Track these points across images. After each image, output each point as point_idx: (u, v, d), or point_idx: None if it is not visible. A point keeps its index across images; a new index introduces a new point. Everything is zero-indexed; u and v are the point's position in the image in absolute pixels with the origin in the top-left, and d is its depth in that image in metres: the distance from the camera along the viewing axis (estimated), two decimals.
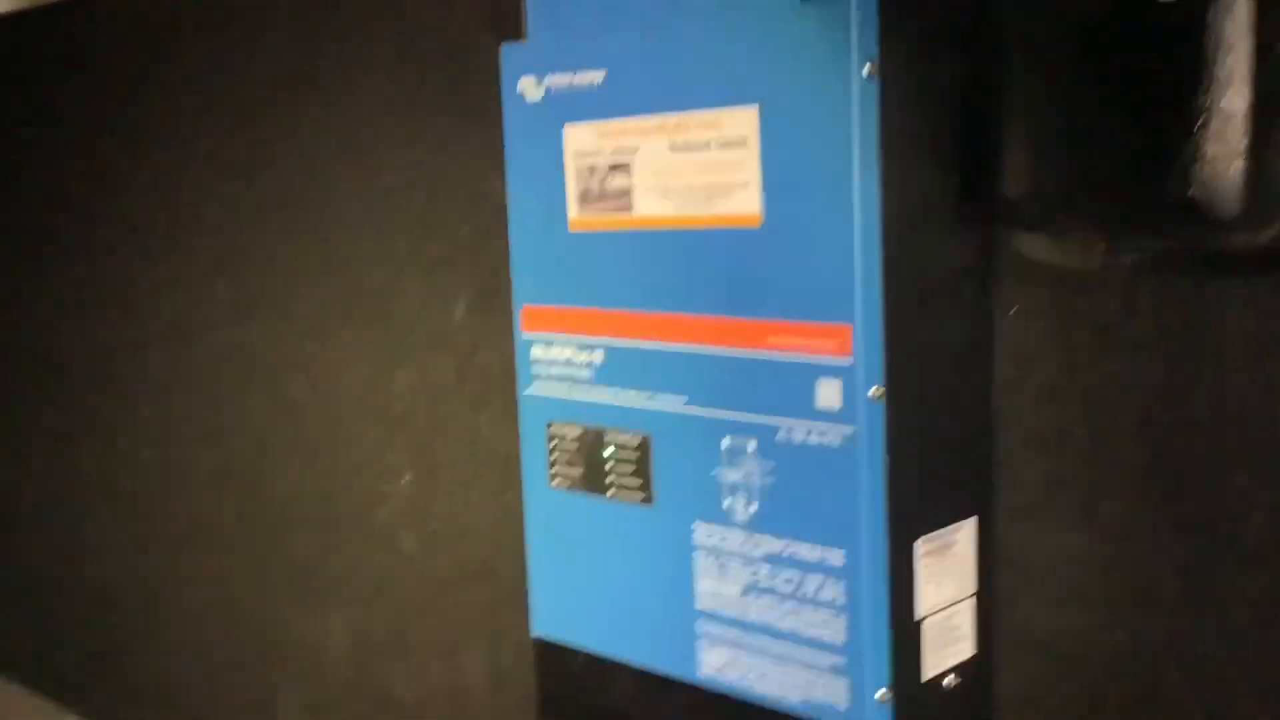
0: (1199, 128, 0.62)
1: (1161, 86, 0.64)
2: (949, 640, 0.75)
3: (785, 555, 0.73)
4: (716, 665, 0.77)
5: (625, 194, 0.77)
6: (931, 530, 0.73)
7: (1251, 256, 0.66)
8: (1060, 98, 0.68)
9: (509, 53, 0.82)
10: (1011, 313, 0.76)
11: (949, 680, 0.75)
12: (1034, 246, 0.74)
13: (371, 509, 1.20)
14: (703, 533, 0.77)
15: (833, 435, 0.70)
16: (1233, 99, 0.61)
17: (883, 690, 0.71)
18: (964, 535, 0.75)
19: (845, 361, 0.68)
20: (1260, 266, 0.66)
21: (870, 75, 0.66)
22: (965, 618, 0.76)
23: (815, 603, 0.72)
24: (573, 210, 0.80)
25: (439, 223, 1.09)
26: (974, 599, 0.77)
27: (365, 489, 1.21)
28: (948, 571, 0.75)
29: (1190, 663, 0.71)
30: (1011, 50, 0.70)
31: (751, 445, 0.74)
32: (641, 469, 0.79)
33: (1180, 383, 0.70)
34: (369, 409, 1.18)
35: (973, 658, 0.77)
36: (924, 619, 0.73)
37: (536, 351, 0.85)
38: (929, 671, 0.74)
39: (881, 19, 0.66)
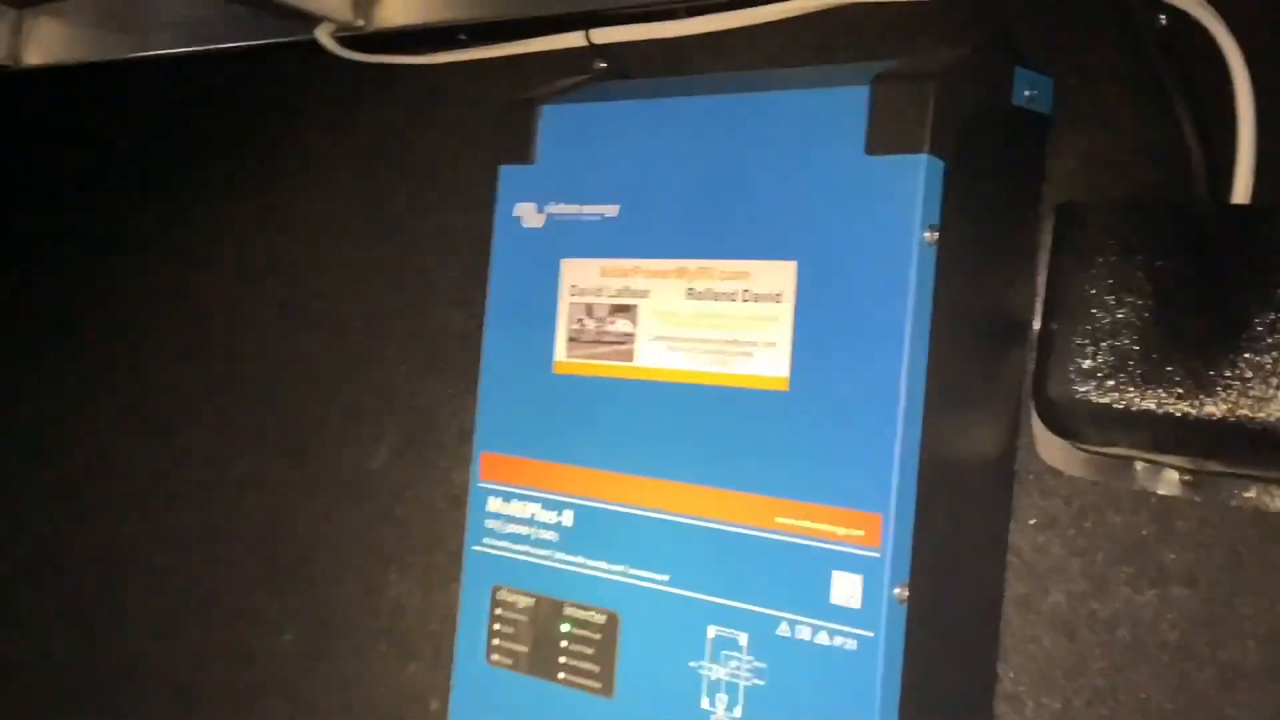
0: (1269, 347, 0.58)
1: (1228, 299, 0.59)
2: None
3: None
4: None
5: (626, 340, 0.69)
6: None
7: None
8: (1116, 299, 0.63)
9: (510, 176, 0.75)
10: (1030, 523, 0.69)
11: None
12: (1059, 455, 0.68)
13: (240, 671, 1.06)
14: None
15: (846, 637, 0.61)
16: None
17: None
18: None
19: (871, 554, 0.60)
20: None
21: (931, 242, 0.60)
22: None
23: None
24: (560, 351, 0.72)
25: (373, 354, 0.99)
26: None
27: (236, 645, 1.06)
28: None
29: None
30: (1065, 240, 0.65)
31: (743, 639, 0.64)
32: (603, 652, 0.69)
33: (1219, 620, 0.64)
34: (256, 549, 1.05)
35: None
36: None
37: (494, 504, 0.75)
38: None
39: (946, 186, 0.61)
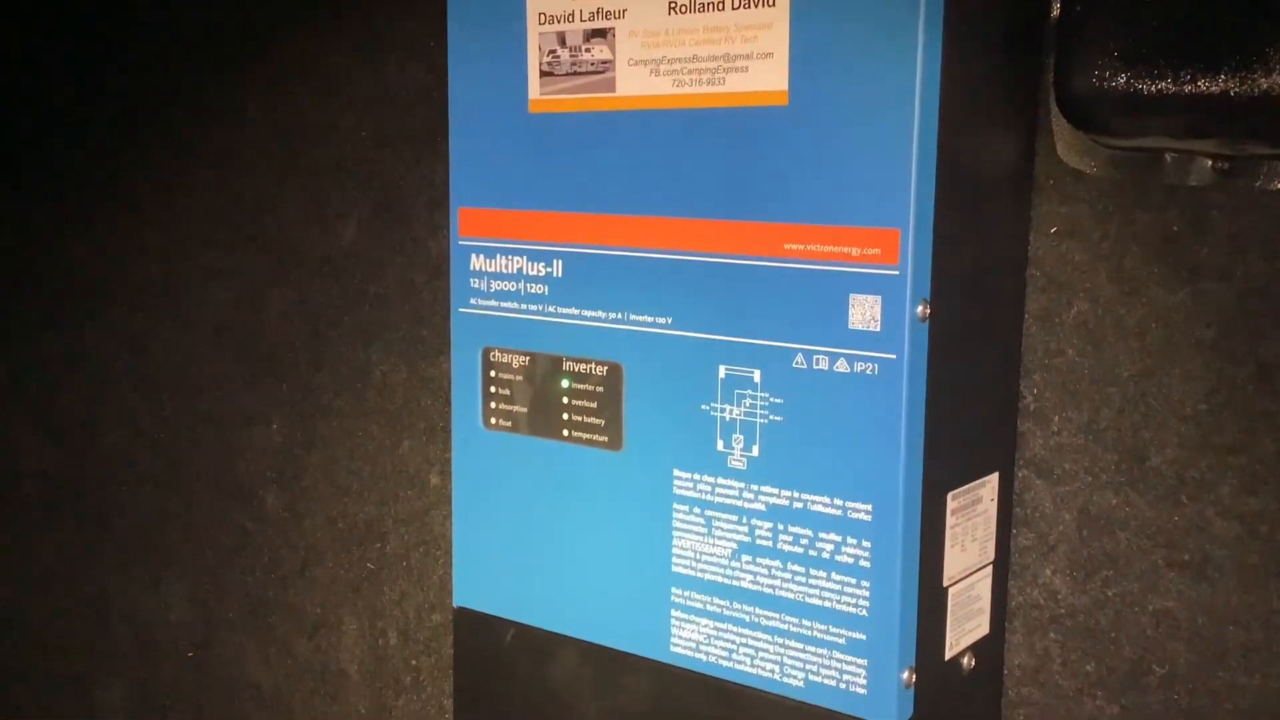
0: None
1: None
2: (970, 614, 0.64)
3: (793, 509, 0.61)
4: (694, 641, 0.64)
5: (606, 67, 0.63)
6: (962, 483, 0.62)
7: None
8: None
9: None
10: (1051, 231, 0.65)
11: (967, 660, 0.64)
12: (1083, 154, 0.63)
13: (232, 461, 1.02)
14: (686, 482, 0.63)
15: (866, 362, 0.57)
16: None
17: (908, 671, 0.59)
18: (988, 492, 0.64)
19: (891, 272, 0.56)
20: None
21: None
22: (984, 588, 0.65)
23: (830, 566, 0.60)
24: (534, 89, 0.66)
25: (326, 124, 0.92)
26: (992, 568, 0.66)
27: (221, 437, 1.03)
28: (972, 533, 0.63)
29: (1249, 643, 0.62)
30: None
31: (756, 375, 0.61)
32: (608, 405, 0.65)
33: (1258, 314, 0.60)
34: (233, 341, 1.01)
35: (986, 636, 0.66)
36: (949, 587, 0.62)
37: (477, 262, 0.70)
38: (950, 650, 0.63)
39: None
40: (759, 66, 0.58)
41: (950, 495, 0.61)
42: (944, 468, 0.60)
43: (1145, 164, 0.62)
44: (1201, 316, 0.61)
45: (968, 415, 0.62)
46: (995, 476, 0.65)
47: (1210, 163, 0.60)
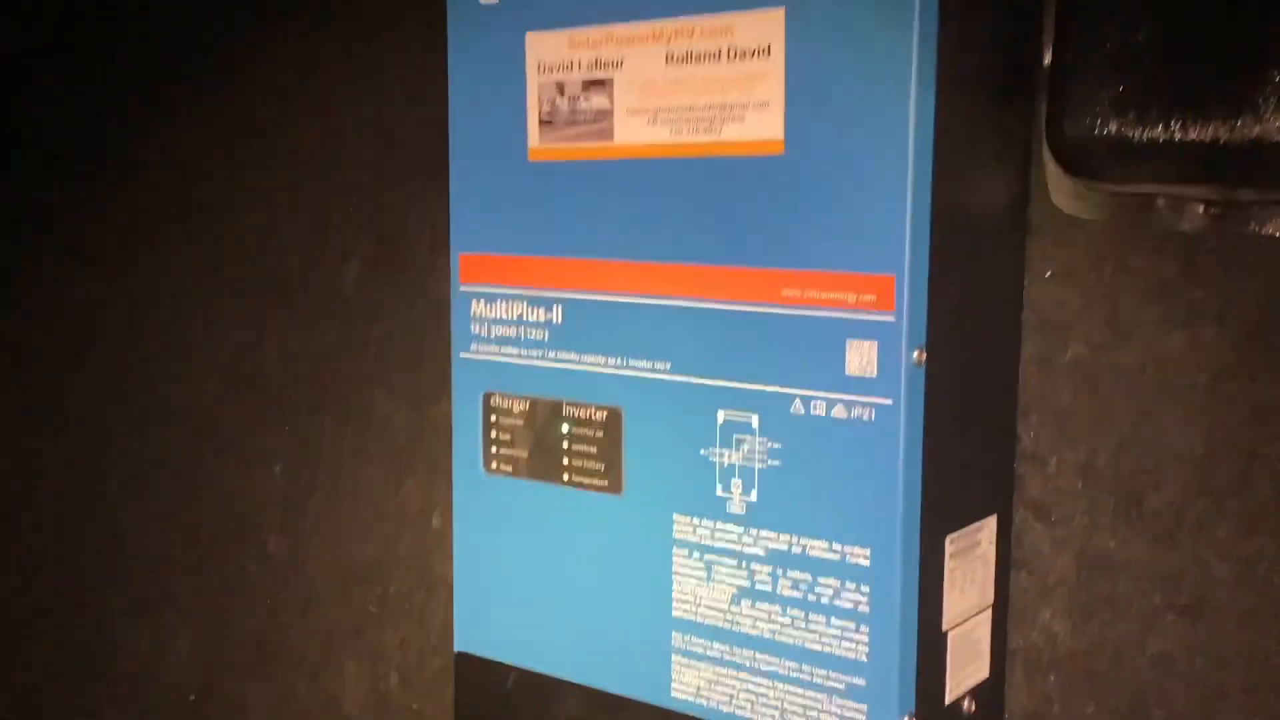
0: None
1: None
2: (969, 657, 0.64)
3: (792, 554, 0.61)
4: (694, 686, 0.64)
5: (604, 116, 0.64)
6: (960, 526, 0.62)
7: None
8: (1138, 14, 0.58)
9: None
10: (1047, 276, 0.65)
11: (967, 704, 0.64)
12: (1078, 198, 0.64)
13: (234, 503, 1.03)
14: (685, 526, 0.64)
15: (864, 408, 0.58)
16: None
17: (909, 716, 0.59)
18: (986, 534, 0.65)
19: (886, 318, 0.57)
20: None
21: None
22: (984, 631, 0.65)
23: (829, 611, 0.60)
24: (533, 138, 0.67)
25: (330, 165, 0.93)
26: (991, 610, 0.66)
27: (223, 480, 1.03)
28: (971, 576, 0.64)
29: (1248, 684, 0.62)
30: None
31: (755, 420, 0.61)
32: (608, 450, 0.66)
33: (1251, 358, 0.61)
34: (237, 383, 1.01)
35: (986, 680, 0.66)
36: (949, 631, 0.62)
37: (477, 308, 0.70)
38: (951, 694, 0.63)
39: None
40: (755, 116, 0.59)
41: (949, 539, 0.61)
42: (942, 511, 0.60)
43: (1138, 209, 0.62)
44: (1196, 360, 0.62)
45: (965, 458, 0.62)
46: (993, 519, 0.65)
47: (1202, 208, 0.61)
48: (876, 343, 0.57)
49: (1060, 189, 0.64)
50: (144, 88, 1.04)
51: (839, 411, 0.59)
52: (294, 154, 0.95)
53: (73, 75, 1.09)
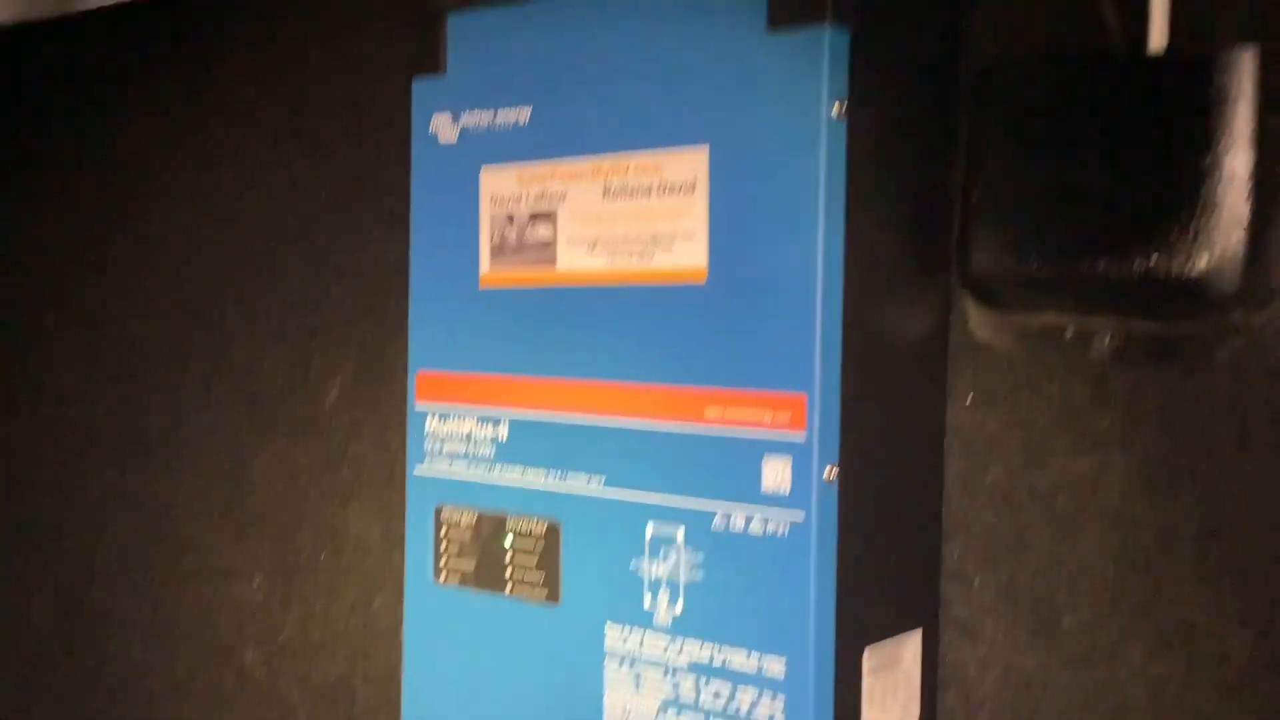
0: (1195, 193, 0.57)
1: (1150, 148, 0.58)
2: None
3: (713, 663, 0.63)
4: None
5: (548, 246, 0.68)
6: (879, 640, 0.64)
7: (1246, 344, 0.60)
8: (1036, 161, 0.62)
9: (421, 88, 0.74)
10: (966, 402, 0.68)
11: None
12: (993, 329, 0.67)
13: (211, 616, 1.05)
14: (616, 636, 0.66)
15: (778, 523, 0.61)
16: (1235, 161, 0.56)
17: None
18: (910, 650, 0.67)
19: (798, 437, 0.60)
20: (1254, 356, 0.60)
21: (839, 117, 0.59)
22: None
23: None
24: (485, 265, 0.71)
25: (317, 291, 0.98)
26: None
27: (205, 594, 1.06)
28: (893, 691, 0.65)
29: None
30: (983, 105, 0.64)
31: (680, 534, 0.64)
32: (547, 561, 0.69)
33: (1158, 482, 0.63)
34: (221, 499, 1.05)
35: None
36: None
37: (431, 424, 0.74)
38: None
39: (853, 56, 0.60)
40: (682, 245, 0.64)
41: (867, 651, 0.63)
42: (859, 624, 0.62)
43: (1048, 339, 0.66)
44: (1106, 483, 0.64)
45: (883, 574, 0.64)
46: (919, 634, 0.67)
47: (1106, 338, 0.64)
48: (790, 460, 0.60)
49: (977, 320, 0.68)
50: (144, 221, 1.10)
51: (756, 526, 0.61)
52: (283, 283, 1.00)
53: (72, 205, 1.15)
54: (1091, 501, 0.65)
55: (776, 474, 0.61)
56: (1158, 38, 0.60)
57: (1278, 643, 0.60)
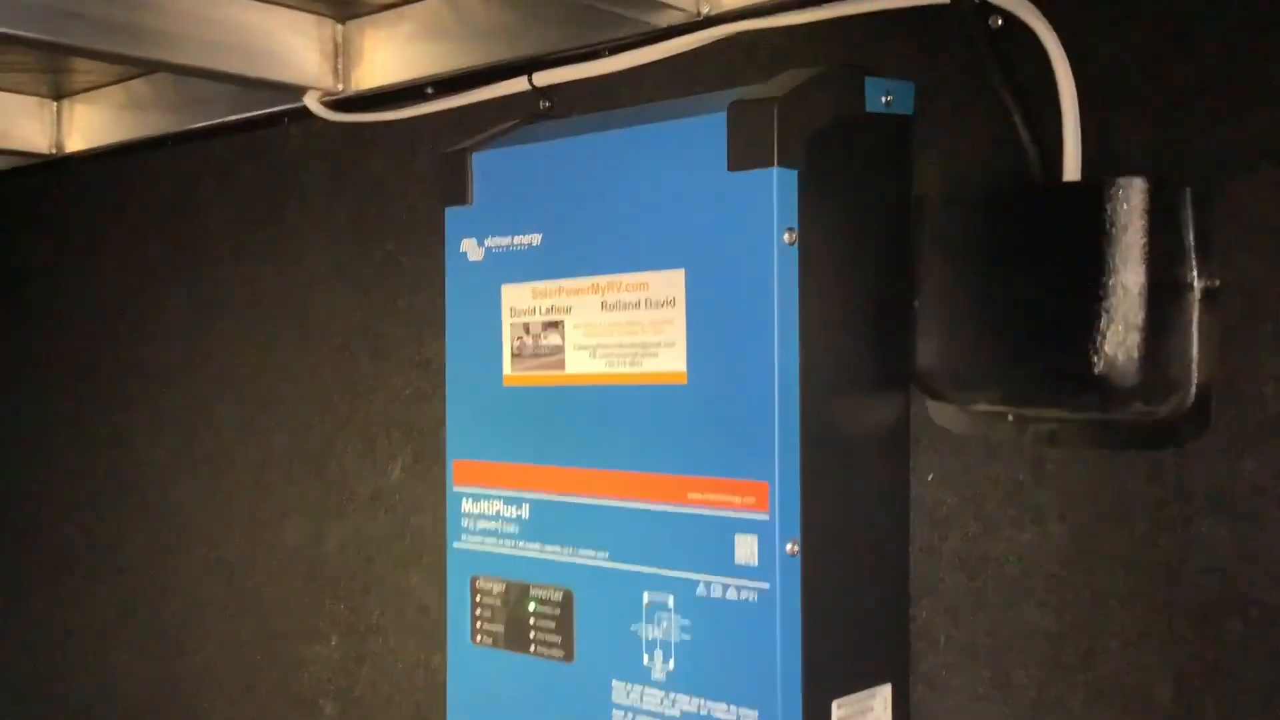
0: (1099, 304, 0.65)
1: (1065, 265, 0.67)
2: None
3: (700, 715, 0.73)
4: None
5: (558, 351, 0.80)
6: (847, 693, 0.73)
7: (1154, 429, 0.69)
8: (969, 275, 0.71)
9: (453, 216, 0.86)
10: (929, 479, 0.77)
11: None
12: (946, 416, 0.76)
13: (295, 672, 1.18)
14: (621, 691, 0.76)
15: (749, 591, 0.70)
16: (1129, 277, 0.65)
17: None
18: (880, 701, 0.75)
19: (762, 517, 0.70)
20: (1162, 439, 0.68)
21: (790, 243, 0.69)
22: None
23: None
24: (507, 366, 0.83)
25: (381, 384, 1.10)
26: None
27: (289, 653, 1.18)
28: None
29: None
30: (922, 228, 0.74)
31: (671, 601, 0.74)
32: (563, 625, 0.79)
33: (1088, 550, 0.71)
34: (302, 567, 1.17)
35: None
36: None
37: (466, 505, 0.85)
38: None
39: (801, 192, 0.70)
40: (665, 352, 0.74)
41: (835, 703, 0.72)
42: (826, 678, 0.71)
43: (994, 424, 0.75)
44: (1046, 552, 0.73)
45: (850, 633, 0.73)
46: (888, 688, 0.76)
47: (1040, 426, 0.73)
48: (756, 537, 0.70)
49: (933, 408, 0.77)
50: (213, 331, 1.24)
51: (731, 594, 0.71)
52: (352, 374, 1.13)
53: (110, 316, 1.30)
54: (1036, 568, 0.73)
55: (746, 549, 0.70)
56: (1070, 168, 0.69)
57: (1192, 692, 0.68)
